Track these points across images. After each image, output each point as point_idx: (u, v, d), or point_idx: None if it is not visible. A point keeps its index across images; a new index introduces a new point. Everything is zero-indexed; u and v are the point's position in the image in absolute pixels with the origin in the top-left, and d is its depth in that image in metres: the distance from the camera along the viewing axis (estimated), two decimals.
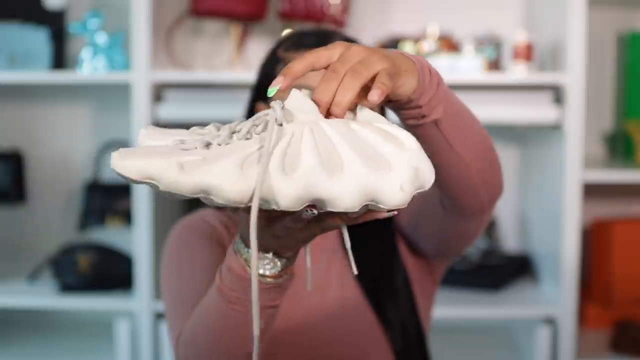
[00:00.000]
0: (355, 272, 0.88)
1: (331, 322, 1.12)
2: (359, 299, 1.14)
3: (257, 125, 0.76)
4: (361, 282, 1.15)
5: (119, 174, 0.72)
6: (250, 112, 1.16)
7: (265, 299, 0.87)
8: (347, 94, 0.73)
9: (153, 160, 0.71)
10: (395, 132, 0.76)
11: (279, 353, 1.09)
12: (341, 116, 0.75)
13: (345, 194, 0.71)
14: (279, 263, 0.86)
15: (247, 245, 0.85)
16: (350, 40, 1.09)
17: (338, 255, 1.17)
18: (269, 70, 1.13)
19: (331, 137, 0.74)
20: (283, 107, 0.76)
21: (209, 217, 1.15)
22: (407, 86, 0.80)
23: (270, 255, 0.85)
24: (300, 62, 0.76)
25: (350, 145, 0.73)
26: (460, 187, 0.95)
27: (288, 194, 0.71)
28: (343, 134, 0.74)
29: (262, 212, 0.75)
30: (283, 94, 0.78)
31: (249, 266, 0.85)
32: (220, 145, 0.75)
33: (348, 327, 1.13)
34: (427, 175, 0.74)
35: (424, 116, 0.85)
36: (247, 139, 0.75)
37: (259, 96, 1.15)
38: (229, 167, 0.71)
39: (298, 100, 0.76)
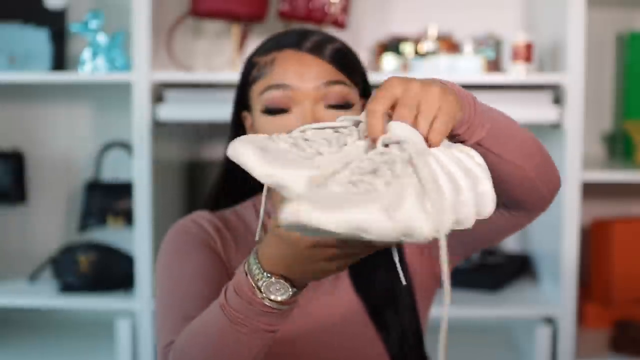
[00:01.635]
0: (404, 282, 0.88)
1: (328, 326, 1.12)
2: (355, 304, 1.13)
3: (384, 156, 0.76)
4: (361, 291, 1.14)
5: (316, 229, 0.66)
6: (237, 122, 1.15)
7: (266, 323, 0.87)
8: (443, 126, 0.78)
9: (357, 209, 0.67)
10: (462, 147, 0.81)
11: (276, 357, 1.09)
12: (438, 144, 0.78)
13: (469, 216, 0.75)
14: (290, 291, 0.86)
15: (265, 269, 0.85)
16: (319, 36, 1.08)
17: None
18: (245, 76, 1.12)
19: (448, 165, 0.77)
20: (400, 142, 0.76)
21: (202, 219, 1.13)
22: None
23: (282, 280, 0.85)
24: (379, 102, 0.78)
25: (460, 170, 0.77)
26: (521, 189, 0.95)
27: (427, 225, 0.70)
28: (452, 159, 0.78)
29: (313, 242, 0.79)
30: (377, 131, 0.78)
31: (260, 290, 0.85)
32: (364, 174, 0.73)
33: (345, 331, 1.12)
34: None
35: (464, 141, 0.87)
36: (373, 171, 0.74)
37: (242, 105, 1.13)
38: (416, 207, 0.70)
39: (406, 131, 0.77)
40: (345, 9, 1.96)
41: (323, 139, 0.80)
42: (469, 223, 0.76)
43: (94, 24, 1.89)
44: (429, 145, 0.78)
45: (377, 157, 0.75)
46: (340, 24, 1.96)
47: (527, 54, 1.84)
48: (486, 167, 0.80)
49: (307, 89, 1.04)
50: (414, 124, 0.77)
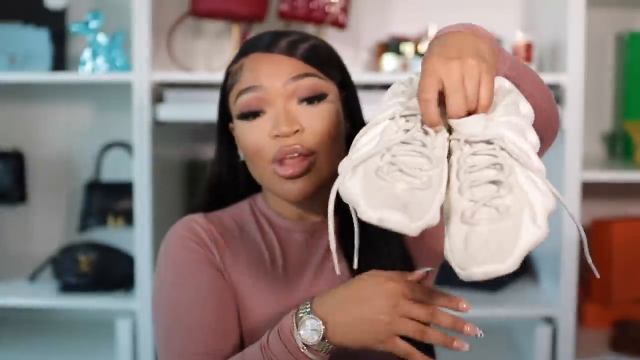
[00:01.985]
0: (338, 272, 0.88)
1: None
2: None
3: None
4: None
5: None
6: (223, 133, 1.13)
7: None
8: (489, 91, 0.81)
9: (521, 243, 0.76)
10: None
11: None
12: (488, 107, 0.81)
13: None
14: (321, 329, 0.90)
15: (312, 308, 0.91)
16: (281, 35, 1.07)
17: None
18: (223, 88, 1.11)
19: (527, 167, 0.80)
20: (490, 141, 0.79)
21: (197, 227, 1.10)
22: None
23: (320, 322, 0.90)
24: (429, 90, 0.80)
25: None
26: (539, 121, 0.95)
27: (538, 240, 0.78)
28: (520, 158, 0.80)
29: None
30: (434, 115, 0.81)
31: (297, 326, 0.90)
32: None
33: None
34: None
35: None
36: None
37: (226, 117, 1.11)
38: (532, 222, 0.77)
39: (478, 125, 0.80)
40: (345, 9, 1.96)
41: (411, 151, 0.80)
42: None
43: (94, 24, 1.89)
44: (480, 109, 0.81)
45: (484, 169, 0.78)
46: (340, 24, 1.96)
47: (527, 54, 1.84)
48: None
49: (275, 87, 1.02)
50: (466, 103, 0.81)
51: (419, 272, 0.94)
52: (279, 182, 1.03)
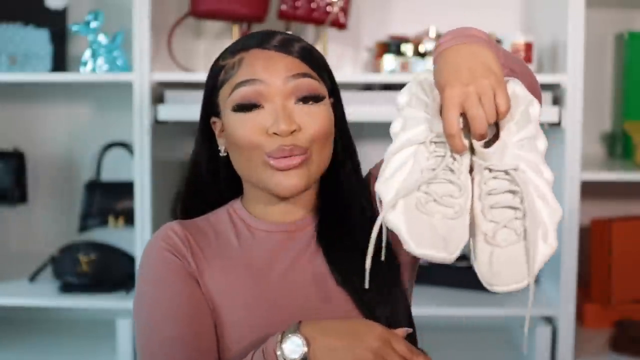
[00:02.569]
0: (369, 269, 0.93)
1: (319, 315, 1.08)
2: (341, 295, 1.09)
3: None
4: (347, 285, 1.09)
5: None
6: (206, 128, 1.12)
7: None
8: (504, 98, 0.89)
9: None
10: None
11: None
12: (507, 113, 0.89)
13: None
14: (303, 350, 0.93)
15: (299, 329, 0.94)
16: (286, 37, 1.07)
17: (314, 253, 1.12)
18: (212, 81, 1.10)
19: (537, 185, 0.91)
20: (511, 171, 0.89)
21: (173, 234, 1.09)
22: None
23: (303, 340, 0.93)
24: (452, 121, 0.88)
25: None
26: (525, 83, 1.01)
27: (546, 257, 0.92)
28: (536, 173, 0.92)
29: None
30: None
31: (280, 341, 0.93)
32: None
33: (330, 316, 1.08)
34: None
35: None
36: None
37: (210, 111, 1.11)
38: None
39: (496, 153, 0.90)
40: (345, 10, 1.96)
41: (442, 179, 0.89)
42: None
43: (94, 24, 1.89)
44: (500, 117, 0.89)
45: (502, 193, 0.89)
46: (340, 25, 1.97)
47: (526, 54, 1.84)
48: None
49: (275, 84, 1.03)
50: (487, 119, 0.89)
51: (403, 330, 0.99)
52: (271, 174, 1.03)
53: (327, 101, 1.08)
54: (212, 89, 1.10)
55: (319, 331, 0.94)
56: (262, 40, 1.07)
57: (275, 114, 1.03)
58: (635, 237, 2.04)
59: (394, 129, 0.94)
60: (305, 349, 0.93)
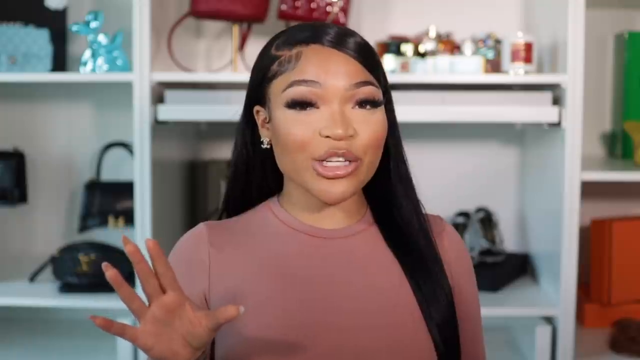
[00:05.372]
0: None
1: (374, 308, 1.06)
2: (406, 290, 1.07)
3: None
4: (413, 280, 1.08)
5: None
6: (248, 117, 1.10)
7: None
8: None
9: None
10: None
11: (318, 341, 1.02)
12: None
13: None
14: None
15: None
16: (345, 32, 1.05)
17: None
18: (263, 71, 1.07)
19: None
20: None
21: (196, 240, 1.09)
22: None
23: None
24: None
25: None
26: None
27: None
28: None
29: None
30: None
31: None
32: None
33: (392, 315, 1.06)
34: None
35: None
36: None
37: (255, 100, 1.09)
38: None
39: None
40: (345, 9, 1.96)
41: None
42: None
43: (94, 23, 1.89)
44: None
45: None
46: (340, 25, 1.96)
47: (526, 54, 1.84)
48: None
49: (336, 88, 1.00)
50: None
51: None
52: (316, 180, 1.00)
53: (383, 106, 1.05)
54: (262, 78, 1.06)
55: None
56: (318, 34, 1.03)
57: (331, 117, 1.00)
58: (635, 237, 2.04)
59: None
60: None
